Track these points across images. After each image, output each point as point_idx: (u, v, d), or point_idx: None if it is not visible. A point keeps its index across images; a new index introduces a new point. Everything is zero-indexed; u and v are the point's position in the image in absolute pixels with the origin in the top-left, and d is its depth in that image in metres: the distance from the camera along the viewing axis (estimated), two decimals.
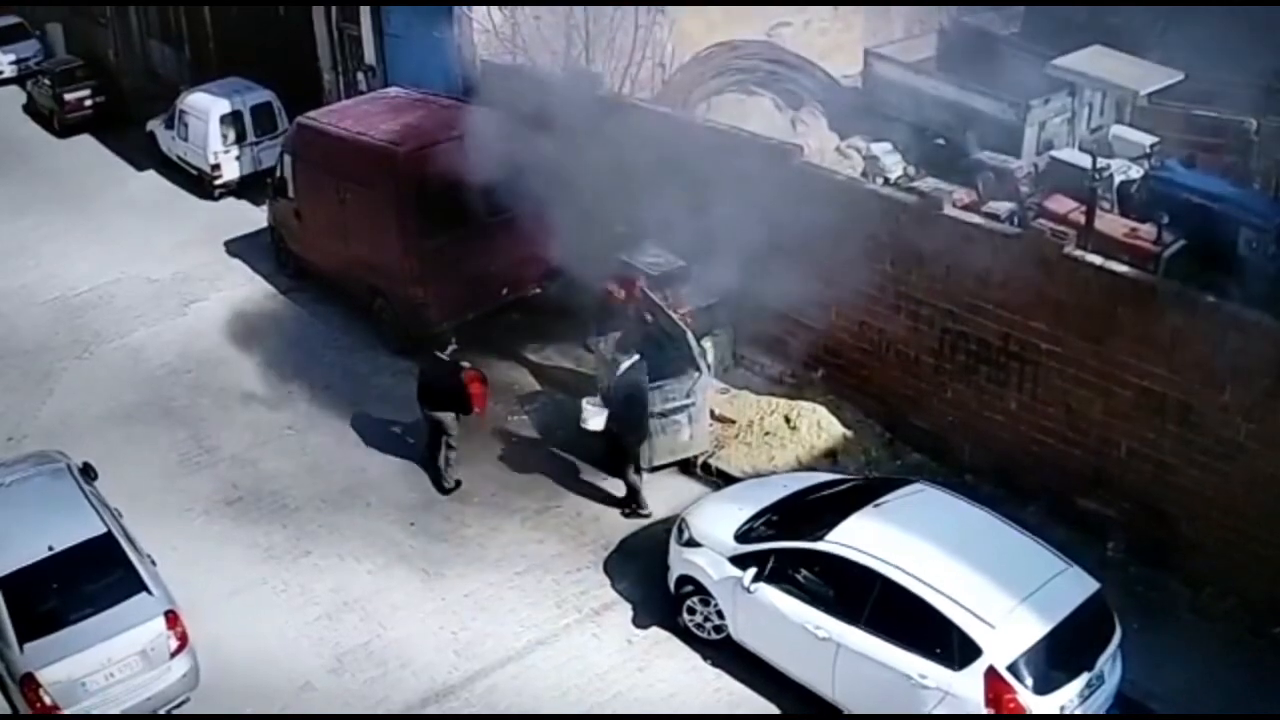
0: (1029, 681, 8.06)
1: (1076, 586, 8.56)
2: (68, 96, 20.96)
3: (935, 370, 11.19)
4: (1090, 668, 8.29)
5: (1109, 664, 8.50)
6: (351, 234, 13.97)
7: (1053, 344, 10.23)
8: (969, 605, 8.24)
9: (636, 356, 10.69)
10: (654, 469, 11.43)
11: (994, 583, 8.41)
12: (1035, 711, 8.04)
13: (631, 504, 11.07)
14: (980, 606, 8.24)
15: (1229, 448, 9.34)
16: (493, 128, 12.70)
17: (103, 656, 8.93)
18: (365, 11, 17.23)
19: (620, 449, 10.89)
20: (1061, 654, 8.22)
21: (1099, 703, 8.45)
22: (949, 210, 11.02)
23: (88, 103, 20.98)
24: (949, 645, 8.22)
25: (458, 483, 11.56)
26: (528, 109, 12.28)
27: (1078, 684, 8.21)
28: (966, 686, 8.12)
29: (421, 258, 13.10)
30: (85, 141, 20.52)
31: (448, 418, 11.31)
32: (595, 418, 10.81)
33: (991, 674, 8.06)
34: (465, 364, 11.34)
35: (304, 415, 12.95)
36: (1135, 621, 9.05)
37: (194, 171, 18.23)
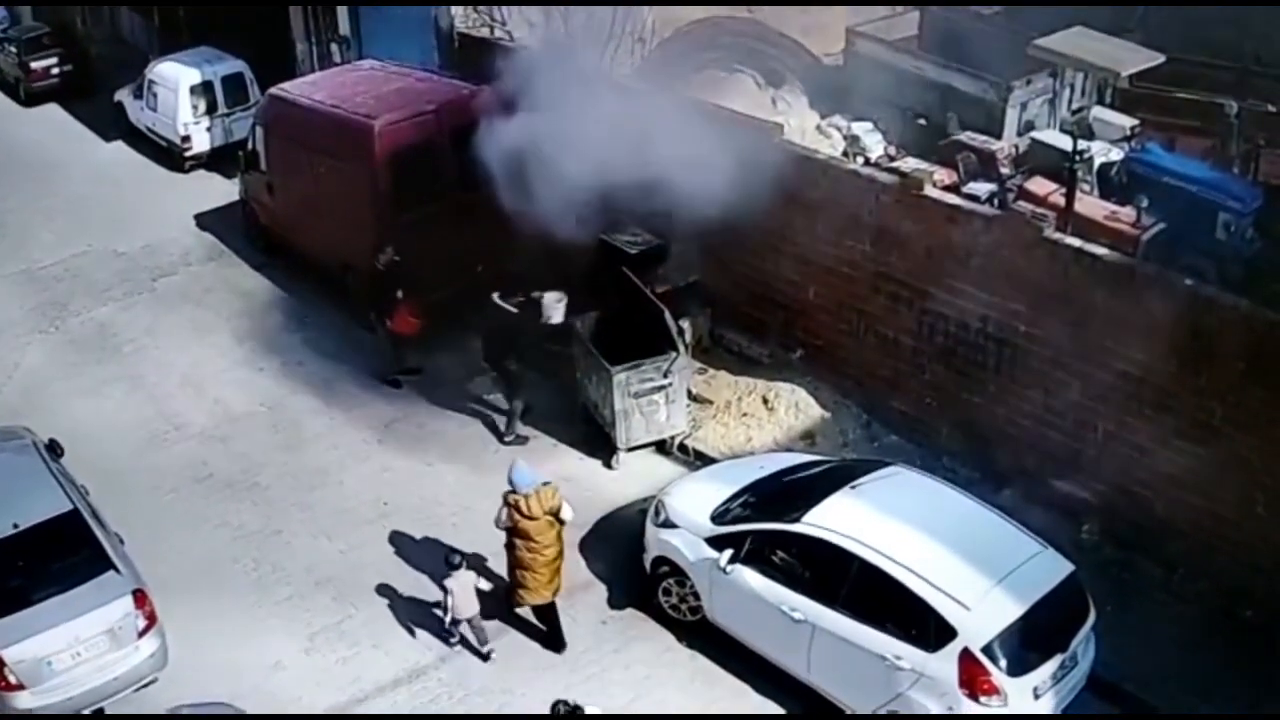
0: (1003, 663, 8.10)
1: (1051, 569, 8.60)
2: (34, 65, 20.46)
3: (913, 352, 11.17)
4: (1064, 649, 8.35)
5: (1083, 646, 8.56)
6: (325, 208, 13.76)
7: (1031, 326, 10.23)
8: (944, 587, 8.26)
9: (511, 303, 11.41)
10: (631, 449, 11.39)
11: (969, 565, 8.44)
12: (1009, 691, 8.07)
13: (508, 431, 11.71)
14: (955, 588, 8.26)
15: (1204, 431, 9.39)
16: (469, 102, 12.52)
17: (69, 635, 8.81)
18: None
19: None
20: (1036, 636, 8.27)
21: (1072, 684, 8.51)
22: (929, 191, 10.97)
23: (54, 71, 20.49)
24: (924, 627, 8.24)
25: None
26: (504, 83, 12.10)
27: (1051, 665, 8.27)
28: (941, 668, 8.15)
29: (395, 233, 12.92)
30: (51, 111, 20.08)
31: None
32: (555, 309, 11.52)
33: (966, 655, 8.09)
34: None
35: (275, 392, 12.78)
36: (1109, 603, 9.11)
37: (163, 143, 17.87)
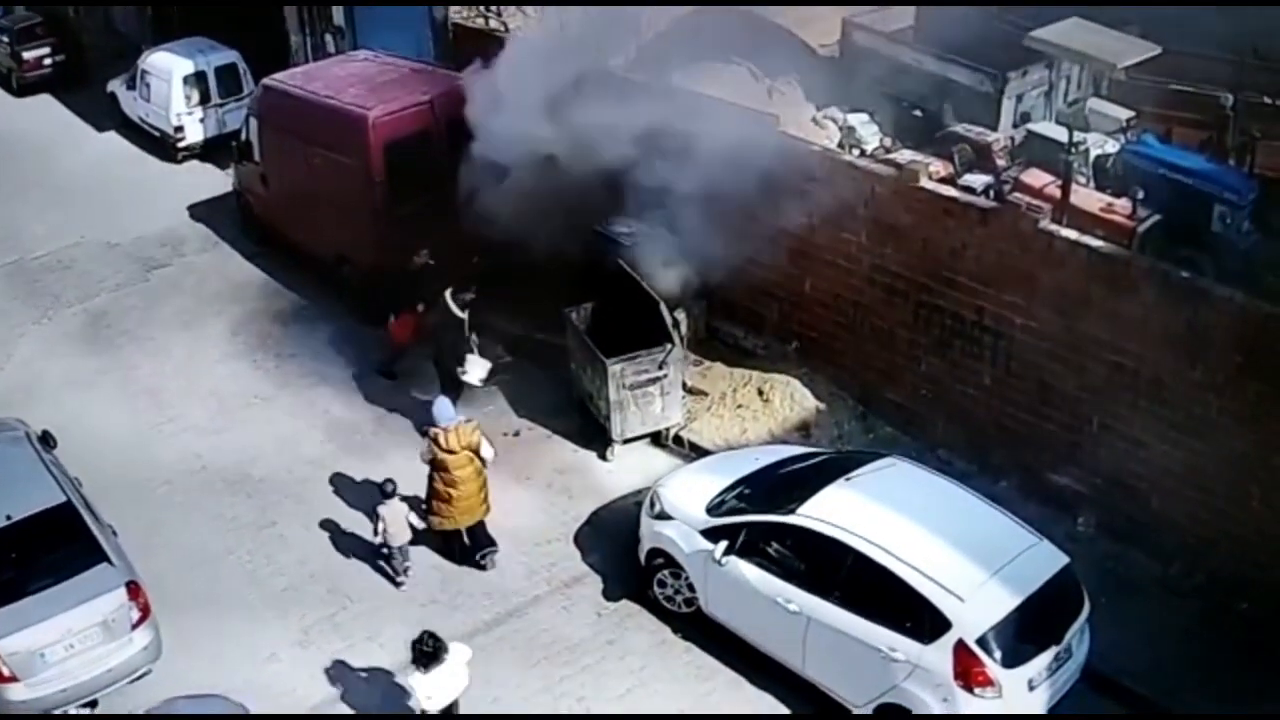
0: (997, 655, 8.11)
1: (1046, 561, 8.59)
2: (26, 55, 20.36)
3: (909, 344, 11.15)
4: (1058, 641, 8.35)
5: (1077, 638, 8.57)
6: (319, 200, 13.70)
7: (1027, 318, 10.21)
8: (939, 579, 8.26)
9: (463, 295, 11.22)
10: (626, 441, 11.36)
11: (964, 557, 8.43)
12: (1003, 683, 8.07)
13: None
14: (950, 580, 8.26)
15: (1200, 423, 9.39)
16: (464, 93, 12.47)
17: (62, 627, 8.79)
18: None
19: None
20: (1030, 628, 8.27)
21: (1067, 676, 8.52)
22: (925, 183, 10.94)
23: (47, 61, 20.40)
24: (919, 619, 8.24)
25: None
26: (498, 74, 12.03)
27: (1046, 657, 8.28)
28: (936, 660, 8.15)
29: (390, 225, 12.87)
30: (44, 102, 19.99)
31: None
32: (475, 370, 11.25)
33: (960, 647, 8.10)
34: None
35: (270, 384, 12.74)
36: (1104, 596, 9.10)
37: (156, 134, 17.79)
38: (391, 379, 12.62)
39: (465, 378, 11.34)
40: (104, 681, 8.96)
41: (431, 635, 8.16)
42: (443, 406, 9.90)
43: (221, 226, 15.71)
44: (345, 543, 10.63)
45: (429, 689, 8.13)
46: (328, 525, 10.83)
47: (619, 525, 10.50)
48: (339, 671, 9.44)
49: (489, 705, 9.14)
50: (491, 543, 10.14)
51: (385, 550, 10.08)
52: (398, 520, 9.83)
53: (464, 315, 11.41)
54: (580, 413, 11.78)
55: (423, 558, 10.43)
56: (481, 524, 10.06)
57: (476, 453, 9.76)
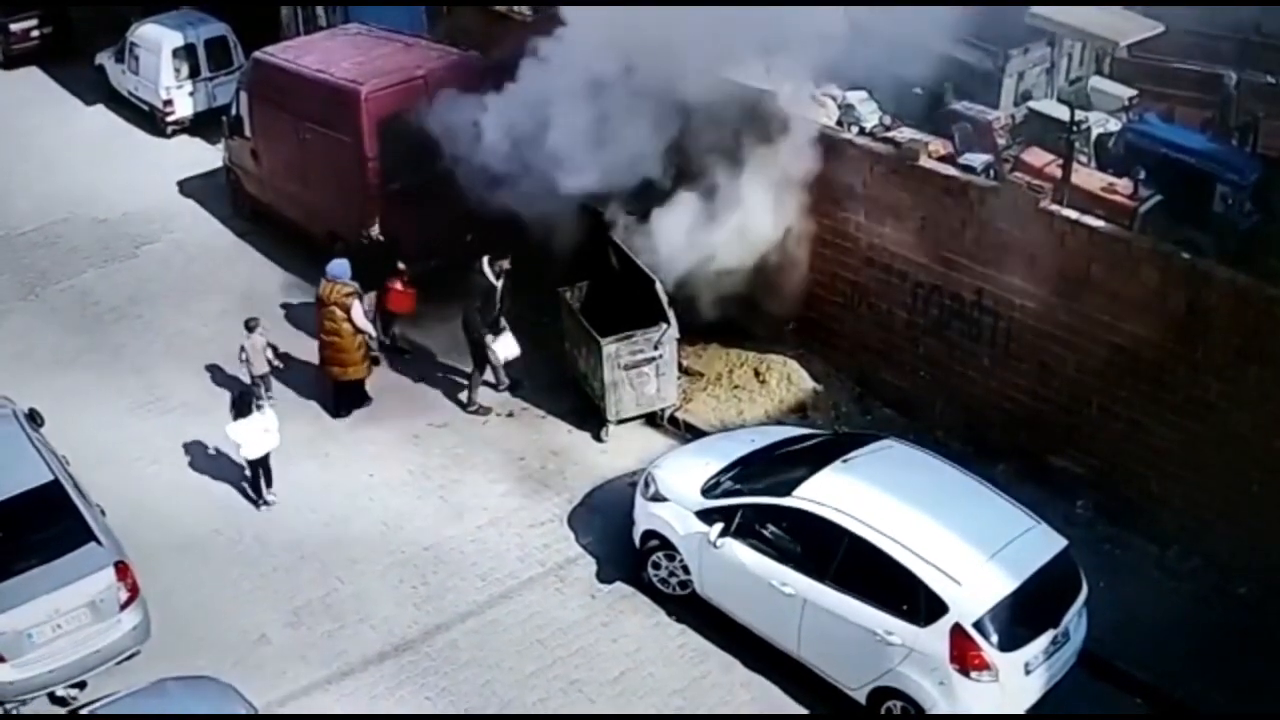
0: (994, 638, 8.06)
1: (1044, 544, 8.54)
2: (13, 27, 20.06)
3: (907, 325, 11.07)
4: (1056, 625, 8.31)
5: (1074, 621, 8.53)
6: (311, 176, 13.54)
7: (1026, 299, 10.13)
8: (936, 562, 8.20)
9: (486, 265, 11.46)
10: (621, 422, 11.27)
11: (962, 540, 8.38)
12: (1000, 666, 8.02)
13: (469, 401, 11.85)
14: (947, 563, 8.20)
15: (1199, 407, 9.33)
16: (458, 68, 12.27)
17: (50, 608, 8.70)
18: None
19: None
20: (1027, 611, 8.23)
21: (1064, 660, 8.48)
22: (924, 161, 10.81)
23: (34, 34, 20.11)
24: (915, 602, 8.19)
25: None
26: (493, 48, 11.85)
27: (1043, 641, 8.24)
28: (932, 643, 8.11)
29: (383, 202, 12.71)
30: (31, 74, 19.72)
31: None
32: (503, 348, 11.52)
33: (957, 630, 8.05)
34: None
35: None
36: (1102, 579, 9.05)
37: (145, 107, 17.57)
38: (404, 353, 12.42)
39: (491, 348, 11.48)
40: (92, 662, 8.87)
41: (245, 392, 10.31)
42: (333, 265, 11.20)
43: (211, 202, 15.53)
44: (336, 523, 10.54)
45: (240, 436, 10.14)
46: (319, 505, 10.73)
47: (613, 507, 10.42)
48: (330, 653, 9.35)
49: (481, 688, 9.10)
50: (363, 400, 11.63)
51: (252, 380, 11.34)
52: (256, 352, 11.27)
53: (498, 284, 11.33)
54: (575, 393, 11.67)
55: (415, 536, 10.37)
56: (360, 381, 11.50)
57: (348, 313, 10.99)
